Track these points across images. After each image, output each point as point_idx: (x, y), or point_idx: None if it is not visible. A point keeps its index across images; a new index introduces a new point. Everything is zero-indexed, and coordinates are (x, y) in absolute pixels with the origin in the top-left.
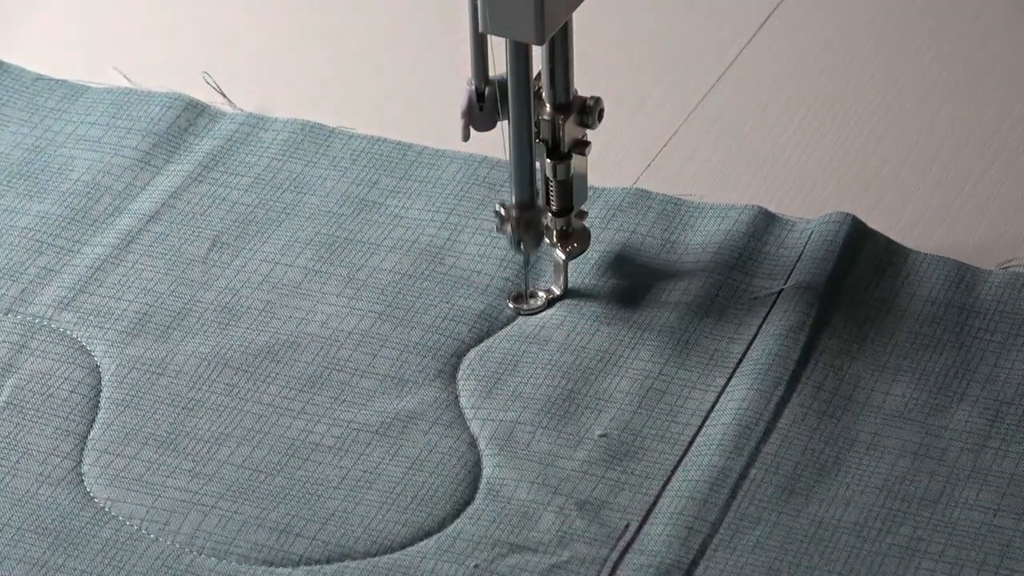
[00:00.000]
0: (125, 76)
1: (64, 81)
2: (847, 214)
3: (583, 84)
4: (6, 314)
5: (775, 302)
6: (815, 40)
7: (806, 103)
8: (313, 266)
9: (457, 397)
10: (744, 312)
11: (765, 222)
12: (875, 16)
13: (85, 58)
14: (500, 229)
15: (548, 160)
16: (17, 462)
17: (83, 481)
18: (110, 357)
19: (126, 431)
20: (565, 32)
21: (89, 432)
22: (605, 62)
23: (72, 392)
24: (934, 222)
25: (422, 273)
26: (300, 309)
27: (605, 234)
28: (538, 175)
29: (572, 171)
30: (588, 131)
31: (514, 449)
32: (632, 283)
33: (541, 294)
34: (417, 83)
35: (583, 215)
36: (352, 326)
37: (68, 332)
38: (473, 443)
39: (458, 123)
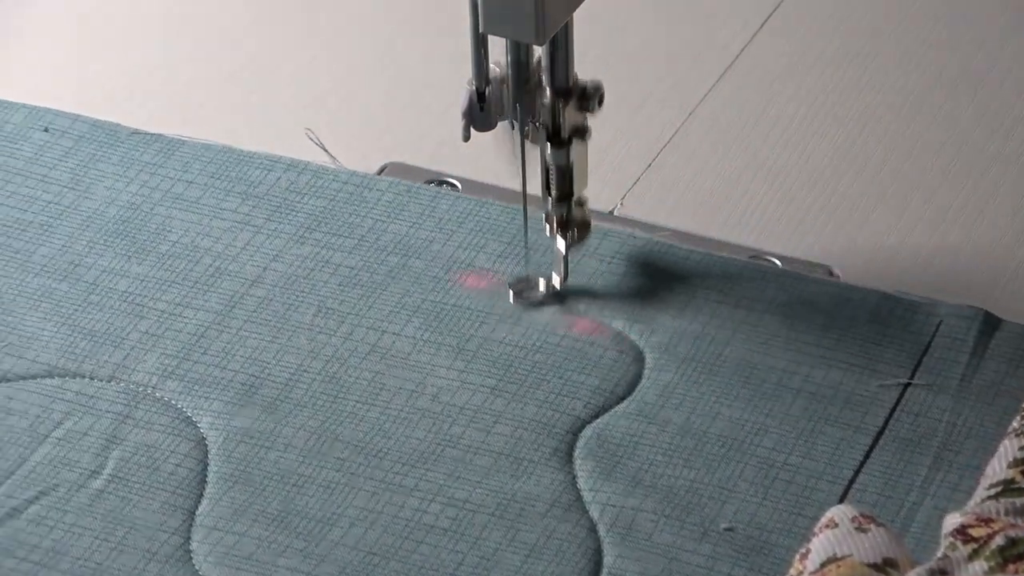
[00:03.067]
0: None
1: (159, 135)
2: (978, 309)
3: None
4: (108, 381)
5: (902, 396)
6: (815, 40)
7: (806, 103)
8: (421, 335)
9: (575, 478)
10: (870, 401)
11: (889, 304)
12: (875, 16)
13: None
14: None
15: (548, 146)
16: (124, 537)
17: (192, 559)
18: (216, 429)
19: (235, 507)
20: (566, 27)
21: (197, 507)
22: (605, 62)
23: (179, 465)
24: (935, 221)
25: (533, 344)
26: (410, 381)
27: (722, 309)
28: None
29: (572, 157)
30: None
31: (636, 539)
32: (751, 360)
33: (541, 280)
34: (418, 83)
35: (583, 203)
36: (464, 400)
37: (173, 402)
38: (593, 529)
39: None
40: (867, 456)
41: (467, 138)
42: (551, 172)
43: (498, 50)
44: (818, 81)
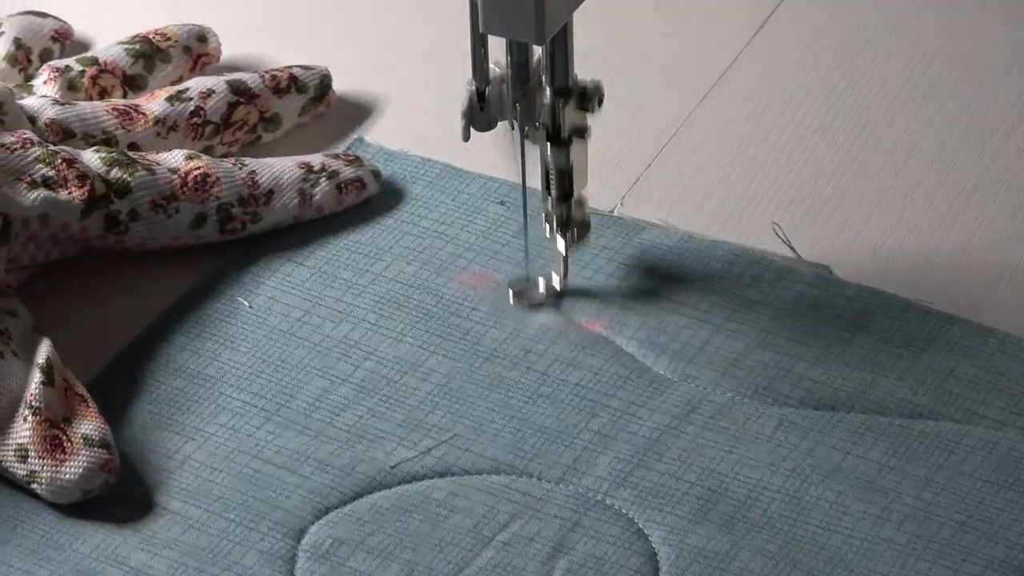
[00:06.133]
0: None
1: (619, 218)
2: None
3: None
4: (558, 483)
5: None
6: (815, 40)
7: (806, 103)
8: (887, 461)
9: None
10: None
11: None
12: (875, 16)
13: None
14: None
15: (548, 146)
16: None
17: None
18: (669, 545)
19: None
20: (566, 27)
21: None
22: (605, 62)
23: None
24: (935, 222)
25: (1004, 481)
26: (875, 505)
27: None
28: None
29: (572, 157)
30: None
31: None
32: None
33: (541, 280)
34: (418, 82)
35: (583, 203)
36: (932, 534)
37: (624, 511)
38: None
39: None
40: None
41: (467, 138)
42: (551, 172)
43: (498, 50)
44: (818, 81)
